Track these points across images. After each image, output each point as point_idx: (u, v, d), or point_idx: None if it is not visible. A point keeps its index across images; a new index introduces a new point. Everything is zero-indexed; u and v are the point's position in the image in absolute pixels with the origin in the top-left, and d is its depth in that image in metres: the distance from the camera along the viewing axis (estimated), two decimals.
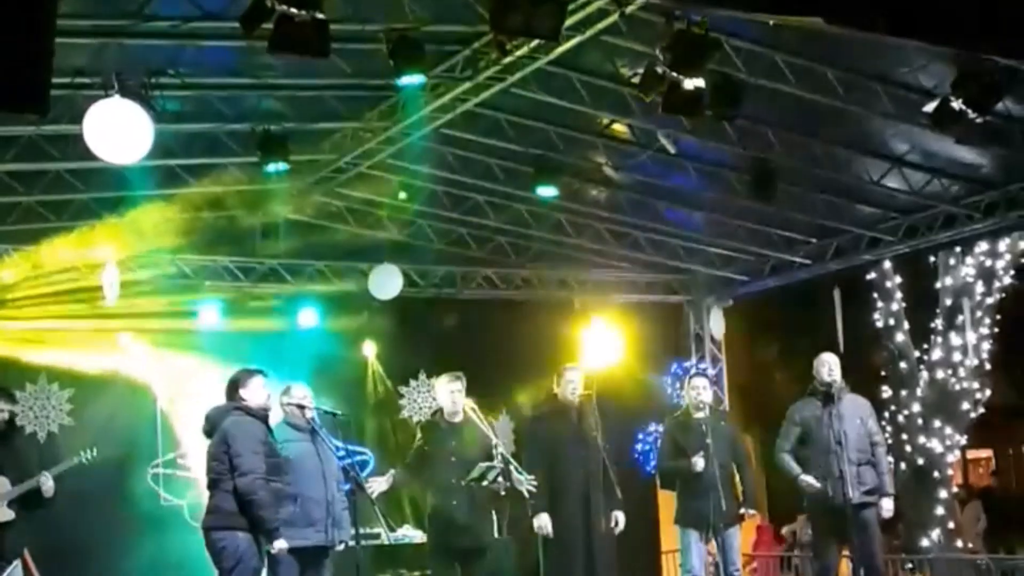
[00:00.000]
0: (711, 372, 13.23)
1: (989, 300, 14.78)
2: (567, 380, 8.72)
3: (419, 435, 8.67)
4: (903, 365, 15.07)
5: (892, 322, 15.15)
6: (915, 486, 14.59)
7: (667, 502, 9.98)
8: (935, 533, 14.58)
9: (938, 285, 14.90)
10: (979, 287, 14.72)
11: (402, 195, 11.39)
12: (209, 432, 7.61)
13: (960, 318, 14.69)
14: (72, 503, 9.52)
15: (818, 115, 9.36)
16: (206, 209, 10.84)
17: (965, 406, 14.82)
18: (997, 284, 14.77)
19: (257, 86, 9.02)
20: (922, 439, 14.76)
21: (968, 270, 14.73)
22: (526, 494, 8.37)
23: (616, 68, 8.91)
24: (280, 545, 7.41)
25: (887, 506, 8.71)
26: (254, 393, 7.65)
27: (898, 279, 15.02)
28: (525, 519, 8.70)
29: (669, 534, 10.85)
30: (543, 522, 8.43)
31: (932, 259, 14.55)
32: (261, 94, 9.26)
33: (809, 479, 8.65)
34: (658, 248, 13.20)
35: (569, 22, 7.30)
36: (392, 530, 10.68)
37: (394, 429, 12.65)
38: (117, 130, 7.83)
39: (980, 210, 10.91)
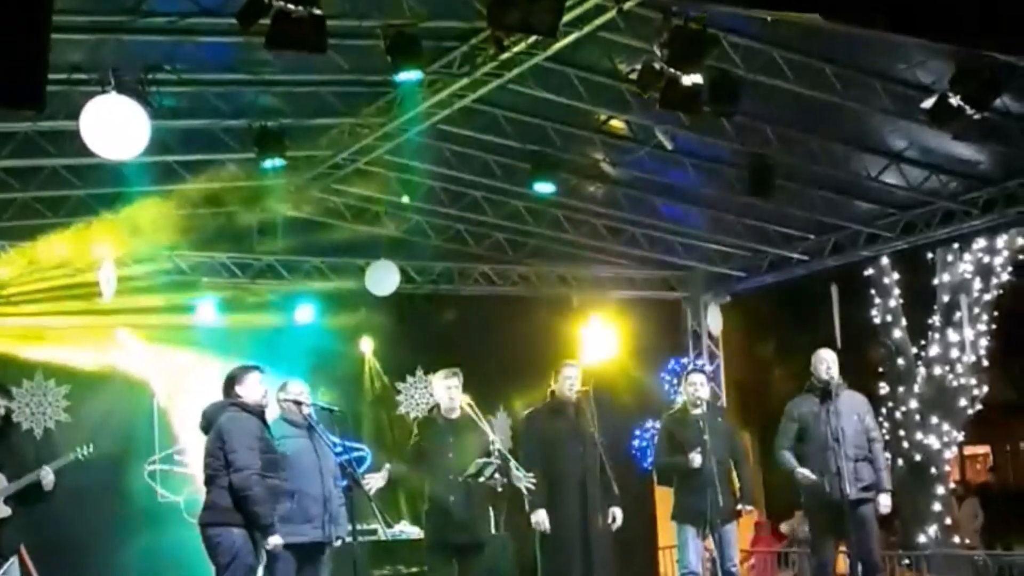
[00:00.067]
0: (708, 368, 13.24)
1: (987, 296, 14.81)
2: (565, 376, 8.69)
3: (416, 431, 8.66)
4: (901, 361, 15.10)
5: (890, 318, 15.17)
6: (912, 482, 14.60)
7: (664, 498, 9.96)
8: (932, 529, 14.60)
9: (936, 281, 14.92)
10: (977, 283, 14.75)
11: (405, 198, 11.40)
12: (205, 428, 7.61)
13: (958, 314, 14.72)
14: (69, 499, 9.46)
15: (816, 111, 9.35)
16: (203, 205, 10.84)
17: (962, 402, 14.85)
18: (995, 280, 14.80)
19: (254, 82, 9.02)
20: (919, 435, 14.78)
21: (966, 266, 14.75)
22: (523, 490, 8.36)
23: (614, 64, 8.89)
24: (275, 541, 7.38)
25: (884, 502, 8.72)
26: (250, 389, 7.64)
27: (896, 275, 15.05)
28: (522, 515, 8.70)
29: (666, 530, 10.84)
30: (540, 518, 8.40)
31: (930, 255, 14.60)
32: (258, 90, 9.25)
33: (805, 471, 8.65)
34: (656, 244, 13.19)
35: (567, 18, 7.28)
36: (389, 526, 10.64)
37: (391, 425, 12.64)
38: (114, 126, 7.81)
39: (978, 206, 10.92)
